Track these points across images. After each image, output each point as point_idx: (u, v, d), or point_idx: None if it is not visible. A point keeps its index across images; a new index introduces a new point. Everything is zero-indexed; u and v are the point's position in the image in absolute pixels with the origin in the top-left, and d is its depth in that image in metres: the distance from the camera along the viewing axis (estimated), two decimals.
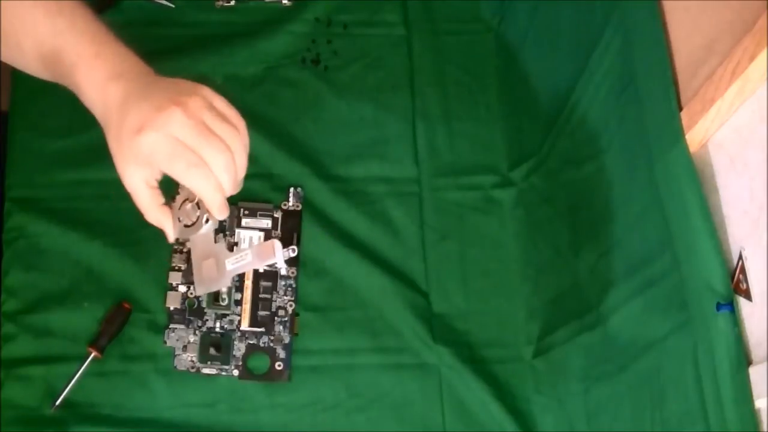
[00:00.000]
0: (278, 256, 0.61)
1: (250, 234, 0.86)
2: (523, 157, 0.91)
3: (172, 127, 0.54)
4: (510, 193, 0.92)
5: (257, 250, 0.61)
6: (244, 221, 0.87)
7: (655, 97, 0.64)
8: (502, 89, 0.96)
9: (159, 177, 0.58)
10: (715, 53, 0.58)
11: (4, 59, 0.61)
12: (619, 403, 0.71)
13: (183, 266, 0.85)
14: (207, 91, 0.57)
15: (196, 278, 0.63)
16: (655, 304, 0.65)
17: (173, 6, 0.96)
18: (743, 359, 0.55)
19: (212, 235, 0.62)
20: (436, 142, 0.94)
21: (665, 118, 0.63)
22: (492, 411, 0.83)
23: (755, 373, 0.55)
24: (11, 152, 0.88)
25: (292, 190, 0.89)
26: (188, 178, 0.55)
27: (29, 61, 0.60)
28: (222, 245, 0.62)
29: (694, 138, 0.60)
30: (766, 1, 0.51)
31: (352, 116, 0.94)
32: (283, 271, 0.62)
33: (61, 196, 0.86)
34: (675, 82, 0.63)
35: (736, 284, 0.57)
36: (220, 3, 0.97)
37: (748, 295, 0.56)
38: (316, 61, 0.96)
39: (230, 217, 0.86)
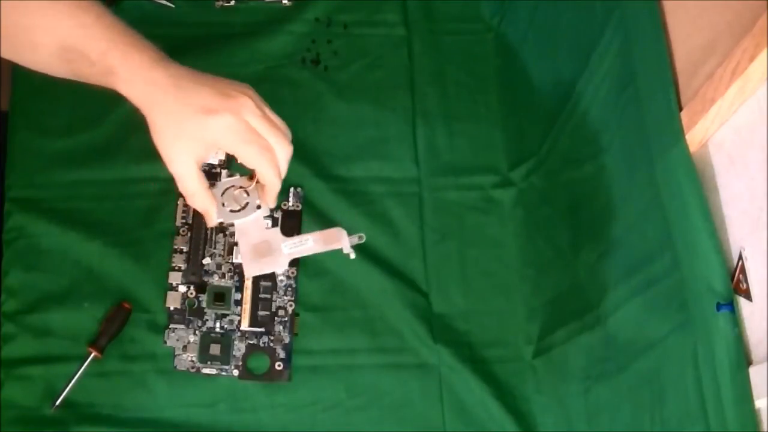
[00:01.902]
0: (344, 243, 0.64)
1: None
2: (523, 157, 0.91)
3: (245, 113, 0.58)
4: (510, 193, 0.92)
5: (321, 236, 0.64)
6: None
7: (655, 97, 0.65)
8: (502, 89, 0.96)
9: (206, 160, 0.60)
10: (715, 53, 0.58)
11: (8, 57, 0.61)
12: (619, 403, 0.71)
13: (183, 266, 0.85)
14: (253, 90, 0.61)
15: (245, 261, 0.64)
16: (655, 304, 0.65)
17: (173, 6, 0.96)
18: (743, 359, 0.55)
19: (263, 220, 0.64)
20: (436, 142, 0.94)
21: (665, 118, 0.63)
22: (492, 411, 0.83)
23: (755, 373, 0.55)
24: (11, 152, 0.88)
25: (292, 190, 0.89)
26: (258, 163, 0.59)
27: (43, 57, 0.60)
28: (275, 230, 0.65)
29: (694, 138, 0.60)
30: (766, 2, 0.51)
31: (352, 116, 0.94)
32: (352, 256, 0.65)
33: (61, 196, 0.86)
34: (675, 82, 0.63)
35: (736, 284, 0.57)
36: (220, 3, 0.97)
37: (748, 295, 0.56)
38: (316, 61, 0.96)
39: None
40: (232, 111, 0.57)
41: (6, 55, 0.61)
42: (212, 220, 0.63)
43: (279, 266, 0.64)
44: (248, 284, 0.85)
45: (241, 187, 0.63)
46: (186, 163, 0.59)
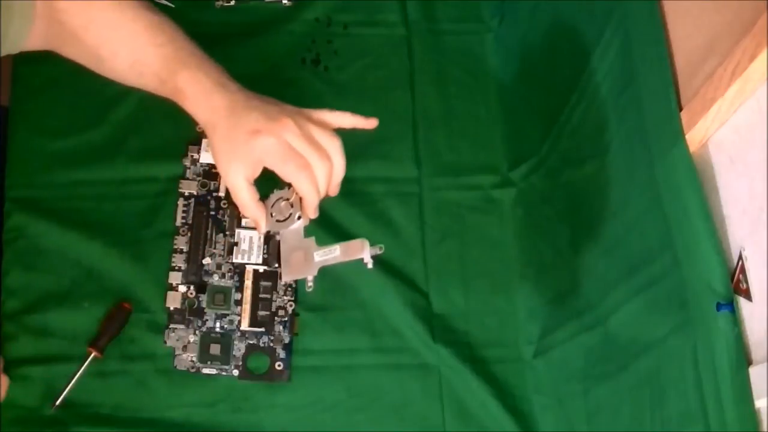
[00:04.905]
0: (366, 253, 0.69)
1: (251, 234, 0.86)
2: (523, 157, 0.91)
3: (286, 134, 0.64)
4: (510, 193, 0.92)
5: (346, 247, 0.70)
6: (245, 221, 0.86)
7: (655, 97, 0.65)
8: (502, 89, 0.96)
9: (257, 176, 0.66)
10: (715, 53, 0.58)
11: (90, 66, 0.69)
12: (619, 403, 0.71)
13: (183, 266, 0.85)
14: (307, 111, 0.68)
15: (284, 266, 0.72)
16: (655, 304, 0.65)
17: (173, 6, 0.96)
18: (743, 359, 0.55)
19: (302, 230, 0.71)
20: (436, 142, 0.94)
21: (665, 118, 0.63)
22: (492, 411, 0.83)
23: (755, 373, 0.55)
24: (11, 152, 0.88)
25: None
26: (296, 178, 0.65)
27: (119, 67, 0.67)
28: (311, 240, 0.71)
29: (694, 138, 0.60)
30: (766, 1, 0.51)
31: None
32: (370, 266, 0.70)
33: (61, 196, 0.86)
34: (675, 82, 0.63)
35: (736, 284, 0.57)
36: (220, 3, 0.97)
37: (748, 295, 0.56)
38: (316, 61, 0.96)
39: (230, 217, 0.87)
40: (274, 133, 0.64)
41: (88, 64, 0.68)
42: (261, 229, 0.69)
43: (310, 273, 0.70)
44: (248, 284, 0.85)
45: (286, 199, 0.69)
46: (238, 179, 0.65)
